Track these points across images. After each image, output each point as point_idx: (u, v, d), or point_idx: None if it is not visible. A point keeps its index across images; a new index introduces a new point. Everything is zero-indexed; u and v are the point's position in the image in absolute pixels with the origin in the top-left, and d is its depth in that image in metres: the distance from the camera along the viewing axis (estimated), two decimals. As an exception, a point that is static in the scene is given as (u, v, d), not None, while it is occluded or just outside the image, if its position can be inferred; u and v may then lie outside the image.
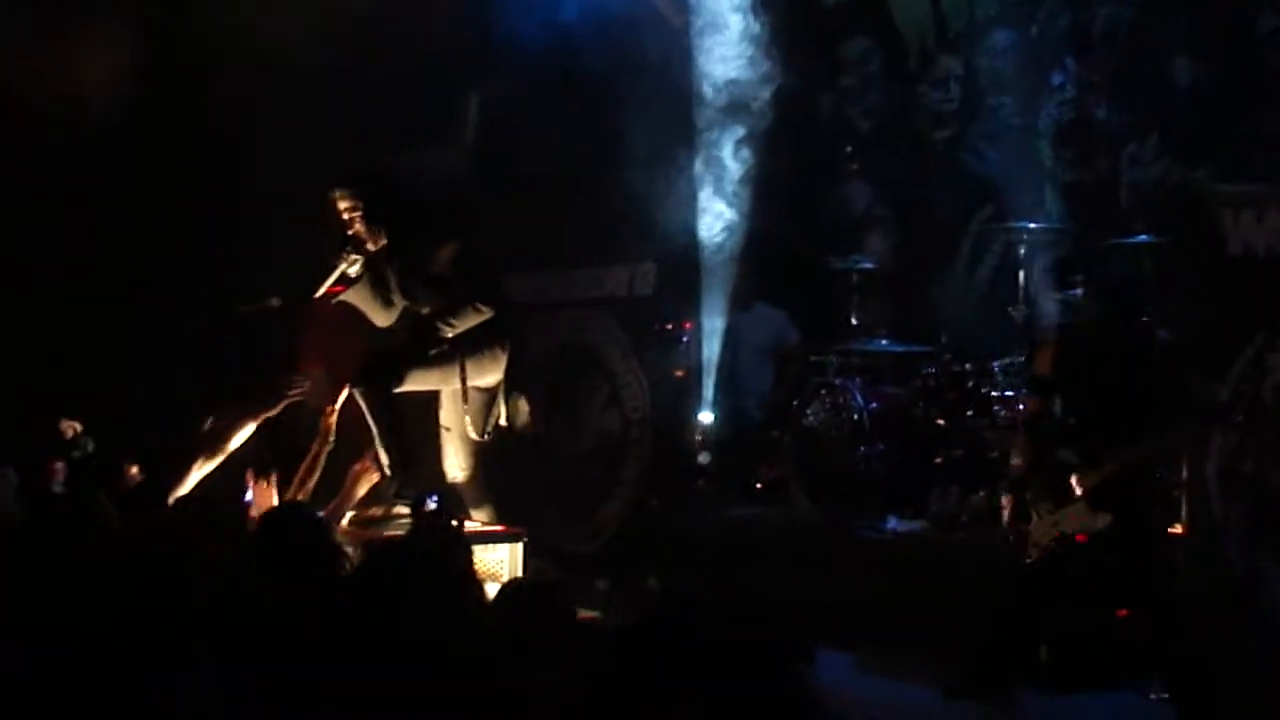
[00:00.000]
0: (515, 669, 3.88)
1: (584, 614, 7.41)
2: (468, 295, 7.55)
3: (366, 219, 7.52)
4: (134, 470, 6.50)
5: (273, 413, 7.09)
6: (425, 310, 7.62)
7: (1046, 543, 6.50)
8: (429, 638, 4.00)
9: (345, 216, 7.54)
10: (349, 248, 7.53)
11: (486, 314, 7.55)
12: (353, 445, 8.25)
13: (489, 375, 7.64)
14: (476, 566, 7.15)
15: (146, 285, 9.87)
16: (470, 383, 7.56)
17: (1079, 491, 6.38)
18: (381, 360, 7.65)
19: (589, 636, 4.24)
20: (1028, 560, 6.60)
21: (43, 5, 9.66)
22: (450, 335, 7.50)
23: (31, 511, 5.59)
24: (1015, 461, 6.99)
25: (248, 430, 6.97)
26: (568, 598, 4.19)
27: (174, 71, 10.14)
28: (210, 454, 6.82)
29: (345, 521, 7.13)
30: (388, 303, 7.75)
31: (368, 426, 7.51)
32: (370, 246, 7.56)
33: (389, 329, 7.99)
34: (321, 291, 7.62)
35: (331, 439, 7.16)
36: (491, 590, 6.59)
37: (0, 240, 9.45)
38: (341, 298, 7.71)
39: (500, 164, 11.10)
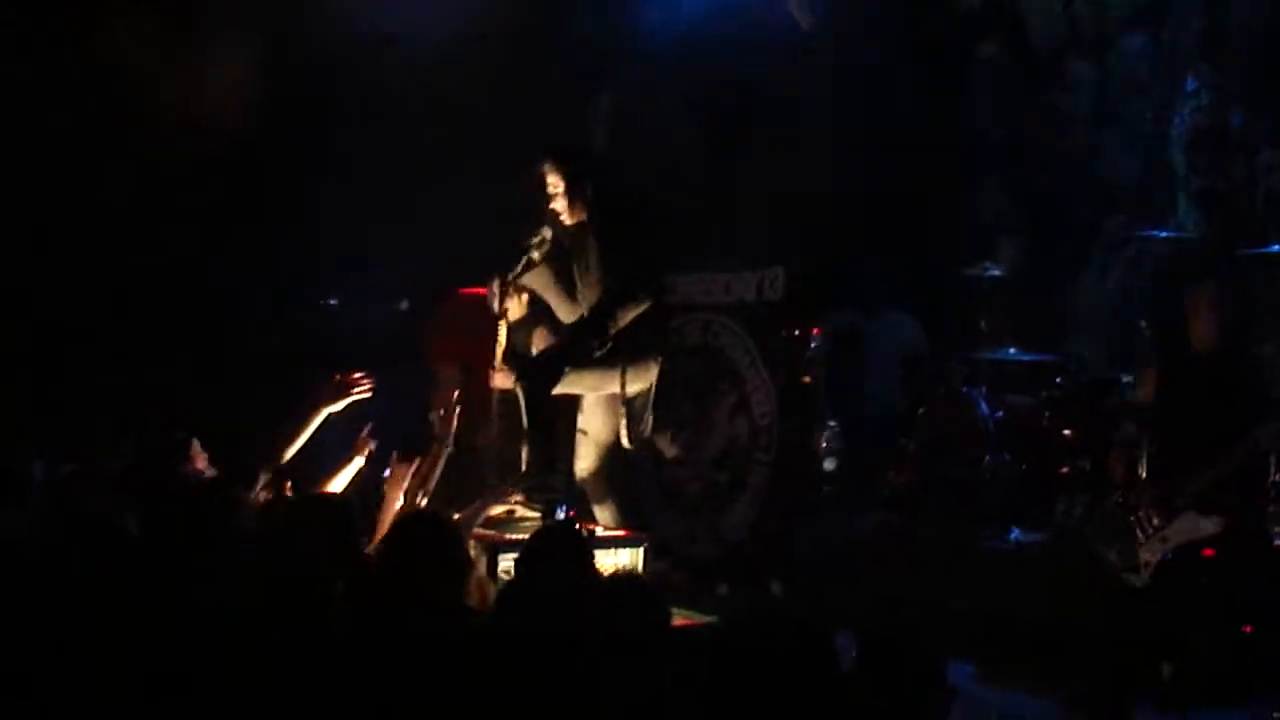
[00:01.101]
0: (610, 668, 3.94)
1: (703, 619, 7.54)
2: (634, 291, 7.55)
3: (570, 193, 7.55)
4: (202, 461, 6.58)
5: (336, 407, 7.15)
6: (586, 302, 7.61)
7: (1158, 558, 6.44)
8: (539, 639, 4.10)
9: (550, 190, 7.56)
10: (541, 228, 7.58)
11: (644, 306, 7.53)
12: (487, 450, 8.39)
13: (642, 382, 7.67)
14: (600, 570, 7.25)
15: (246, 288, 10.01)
16: (628, 390, 7.61)
17: (1185, 499, 6.39)
18: (546, 358, 7.71)
19: (689, 641, 4.28)
20: (1137, 578, 6.57)
21: (171, 21, 9.85)
22: (613, 332, 7.49)
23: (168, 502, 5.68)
24: (1115, 483, 6.95)
25: (315, 423, 7.08)
26: (662, 599, 4.22)
27: (301, 74, 10.27)
28: (279, 448, 6.95)
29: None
30: (571, 294, 7.75)
31: (510, 434, 7.57)
32: (568, 220, 7.58)
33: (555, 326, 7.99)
34: (518, 269, 7.62)
35: (450, 442, 7.20)
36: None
37: (119, 247, 9.61)
38: (526, 282, 7.73)
39: (631, 166, 11.17)
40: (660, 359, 7.69)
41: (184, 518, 5.10)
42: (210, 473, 6.42)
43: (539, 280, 7.73)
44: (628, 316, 7.49)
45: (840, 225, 9.96)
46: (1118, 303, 9.06)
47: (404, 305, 8.41)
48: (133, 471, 6.45)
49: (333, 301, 9.17)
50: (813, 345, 9.97)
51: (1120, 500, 6.79)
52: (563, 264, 7.68)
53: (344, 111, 10.47)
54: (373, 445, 7.30)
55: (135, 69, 9.60)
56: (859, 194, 9.83)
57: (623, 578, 5.03)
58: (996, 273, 9.49)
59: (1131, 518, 6.67)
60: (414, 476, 6.80)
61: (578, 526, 7.12)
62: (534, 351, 8.29)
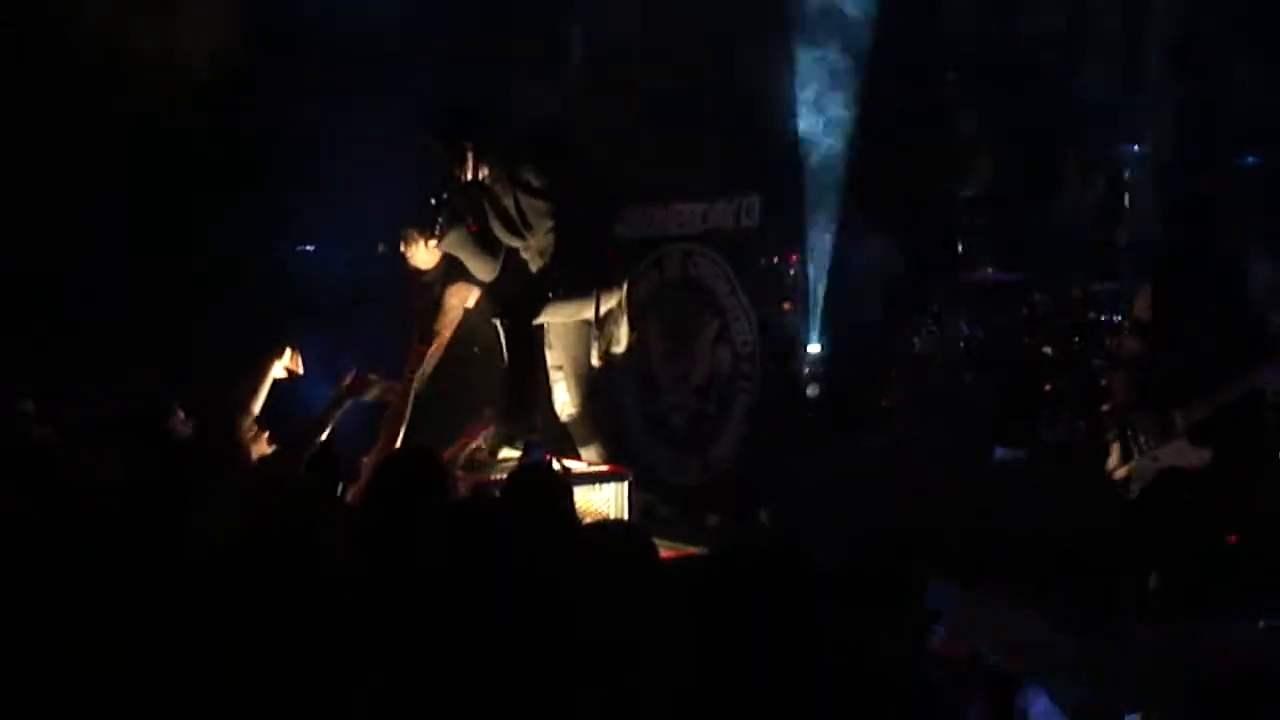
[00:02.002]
0: (600, 610, 3.95)
1: (692, 550, 7.58)
2: (587, 226, 7.58)
3: (471, 151, 7.55)
4: (181, 418, 6.59)
5: (283, 362, 7.20)
6: (537, 245, 7.63)
7: (1149, 477, 6.49)
8: (522, 581, 4.12)
9: (440, 153, 7.58)
10: (444, 190, 7.60)
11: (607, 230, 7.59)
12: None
13: (610, 301, 7.69)
14: (582, 507, 7.27)
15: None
16: (601, 310, 7.61)
17: (1180, 426, 6.37)
18: (524, 292, 7.71)
19: (679, 576, 4.28)
20: (1130, 495, 6.60)
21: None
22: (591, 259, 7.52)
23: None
24: (1116, 400, 6.92)
25: (269, 380, 7.12)
26: (647, 539, 4.23)
27: (272, 25, 10.21)
28: (246, 404, 6.99)
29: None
30: (489, 250, 7.79)
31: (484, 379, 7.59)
32: (465, 179, 7.59)
33: (494, 282, 8.06)
34: (438, 230, 7.67)
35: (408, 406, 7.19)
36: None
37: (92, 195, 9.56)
38: (440, 246, 7.77)
39: (604, 97, 11.12)
40: (623, 274, 7.68)
41: (175, 473, 5.11)
42: (186, 430, 6.41)
43: (454, 242, 7.75)
44: (596, 241, 7.54)
45: (815, 150, 9.91)
46: (1096, 219, 9.02)
47: (381, 248, 8.40)
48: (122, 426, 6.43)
49: (308, 247, 9.12)
50: (791, 272, 9.98)
51: (1119, 417, 6.80)
52: (474, 224, 7.69)
53: (320, 52, 10.39)
54: (357, 388, 7.33)
55: (103, 13, 9.53)
56: (830, 119, 9.74)
57: (606, 523, 5.05)
58: (972, 193, 9.48)
59: (1128, 434, 6.68)
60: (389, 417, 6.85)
61: (555, 467, 7.15)
62: (450, 305, 8.39)
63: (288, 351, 7.31)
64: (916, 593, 4.12)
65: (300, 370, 7.43)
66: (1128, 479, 6.67)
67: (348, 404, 7.32)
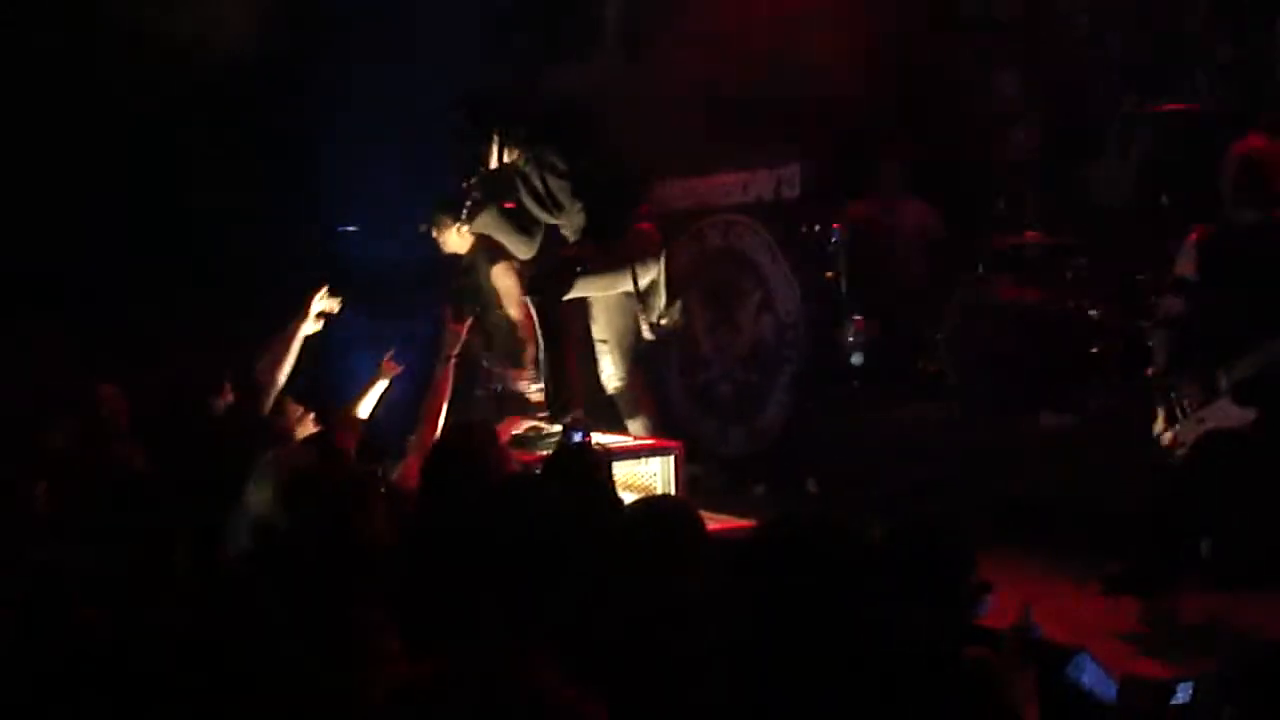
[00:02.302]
0: (646, 584, 3.97)
1: (740, 522, 7.59)
2: (617, 201, 7.59)
3: (486, 139, 7.57)
4: (229, 392, 6.64)
5: (311, 326, 7.23)
6: (571, 224, 7.67)
7: (1195, 439, 6.42)
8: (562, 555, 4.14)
9: (464, 138, 7.61)
10: (473, 173, 7.62)
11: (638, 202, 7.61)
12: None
13: (650, 272, 7.69)
14: (629, 481, 7.30)
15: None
16: (640, 282, 7.62)
17: (1224, 386, 6.29)
18: (553, 267, 7.73)
19: (727, 549, 4.30)
20: (1176, 458, 6.54)
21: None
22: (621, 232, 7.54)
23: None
24: (1158, 362, 6.85)
25: (297, 343, 7.15)
26: (695, 512, 4.24)
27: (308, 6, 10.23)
28: (270, 369, 7.03)
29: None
30: (524, 229, 7.82)
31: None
32: (492, 164, 7.61)
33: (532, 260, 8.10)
34: (465, 214, 7.71)
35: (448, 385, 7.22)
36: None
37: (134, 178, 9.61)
38: (476, 228, 7.81)
39: (645, 73, 11.11)
40: (662, 245, 7.69)
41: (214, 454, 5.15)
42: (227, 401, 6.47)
43: (487, 222, 7.77)
44: (626, 215, 7.54)
45: (853, 117, 9.87)
46: (1139, 180, 8.94)
47: (423, 228, 8.43)
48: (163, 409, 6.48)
49: (351, 228, 9.16)
50: (833, 240, 9.97)
51: (1162, 379, 6.72)
52: (509, 202, 7.70)
53: (357, 34, 10.42)
54: (399, 368, 7.37)
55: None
56: (871, 86, 9.69)
57: (652, 498, 5.06)
58: (1014, 156, 9.44)
59: (1172, 396, 6.60)
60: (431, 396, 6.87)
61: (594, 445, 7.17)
62: (495, 286, 8.44)
63: (315, 305, 7.32)
64: (964, 566, 4.11)
65: (336, 309, 7.45)
66: (1174, 443, 6.60)
67: (388, 382, 7.36)
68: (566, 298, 7.56)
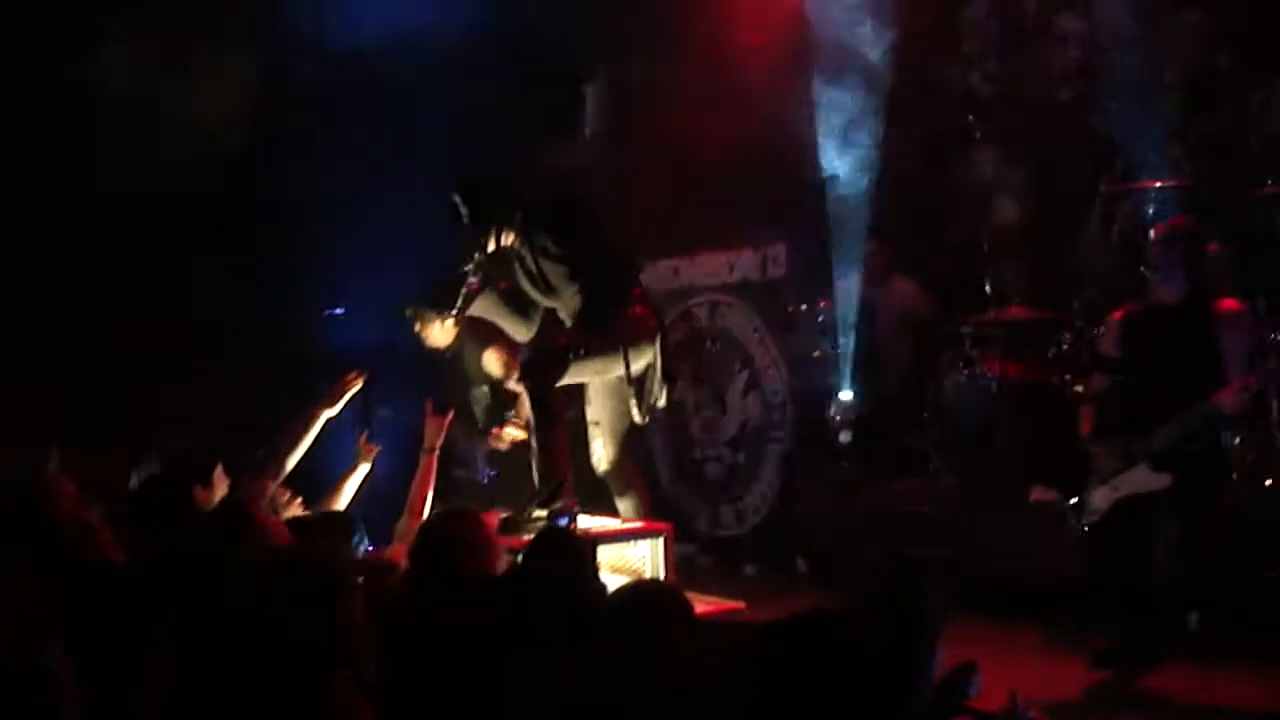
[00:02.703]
0: (634, 668, 3.96)
1: (730, 603, 7.57)
2: (610, 286, 7.61)
3: (479, 220, 7.62)
4: (220, 473, 6.60)
5: (333, 409, 7.22)
6: (567, 308, 7.68)
7: (1106, 506, 6.68)
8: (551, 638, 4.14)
9: (466, 220, 7.64)
10: (473, 254, 7.66)
11: (630, 288, 7.63)
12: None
13: (645, 357, 7.71)
14: (618, 564, 7.29)
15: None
16: (634, 367, 7.63)
17: (1140, 454, 6.54)
18: (548, 353, 7.75)
19: (710, 637, 4.29)
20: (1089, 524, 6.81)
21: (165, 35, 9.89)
22: (614, 319, 7.56)
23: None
24: (1084, 436, 7.03)
25: (315, 428, 7.14)
26: (683, 600, 4.23)
27: (297, 94, 10.30)
28: (285, 454, 7.01)
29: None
30: (523, 311, 7.85)
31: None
32: (490, 248, 7.65)
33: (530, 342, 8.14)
34: (460, 302, 7.73)
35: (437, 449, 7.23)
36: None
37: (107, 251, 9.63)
38: (474, 312, 7.83)
39: (628, 152, 11.19)
40: (657, 329, 7.71)
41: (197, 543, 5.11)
42: (223, 491, 6.41)
43: (485, 305, 7.81)
44: (620, 301, 7.57)
45: (839, 197, 9.94)
46: (1121, 255, 8.99)
47: (408, 314, 8.45)
48: (143, 494, 6.42)
49: (338, 311, 9.18)
50: (819, 319, 10.01)
51: (1088, 450, 6.92)
52: (506, 284, 7.75)
53: (348, 118, 10.49)
54: (376, 448, 7.37)
55: (130, 82, 9.65)
56: (854, 164, 9.78)
57: (640, 582, 5.06)
58: (998, 233, 9.49)
59: (1092, 466, 6.83)
60: (416, 486, 6.86)
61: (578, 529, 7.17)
62: (488, 373, 8.48)
63: (343, 398, 7.33)
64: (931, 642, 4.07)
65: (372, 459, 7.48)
66: (1089, 510, 6.79)
67: (370, 465, 7.36)
68: (561, 383, 7.57)
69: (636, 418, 7.79)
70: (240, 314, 10.09)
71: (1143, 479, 6.54)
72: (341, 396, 7.23)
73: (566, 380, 7.60)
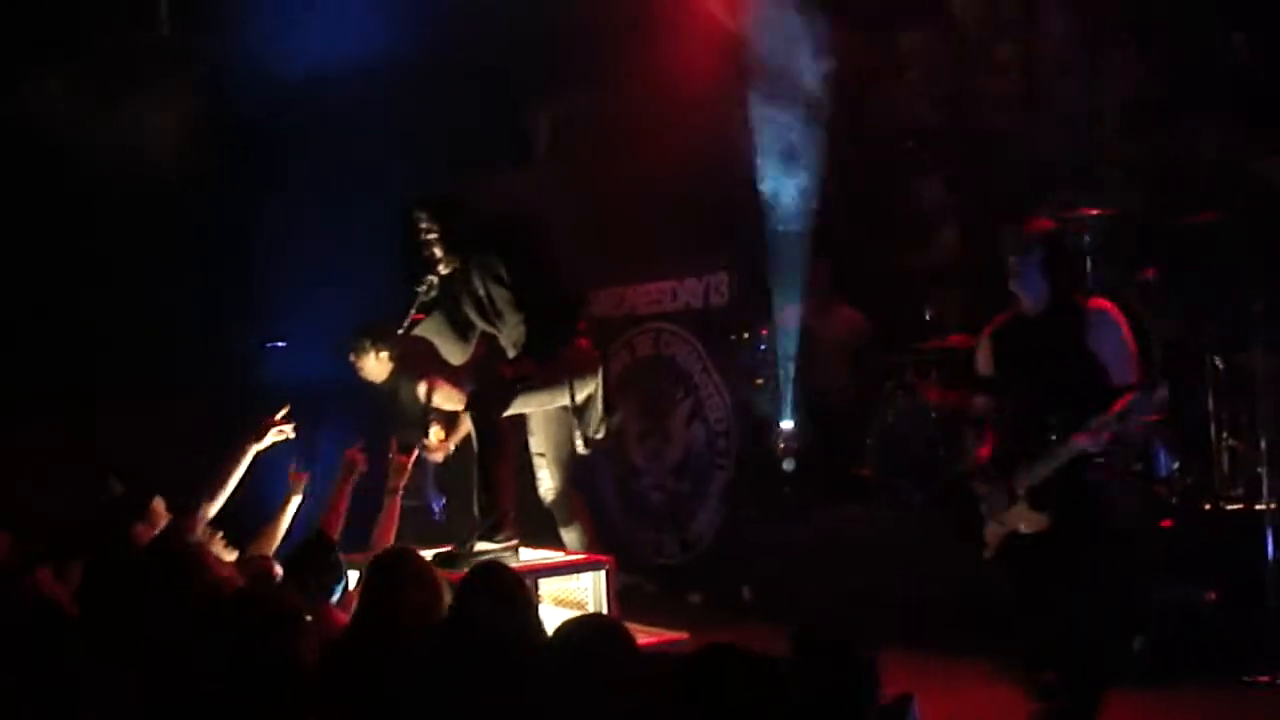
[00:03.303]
0: (577, 705, 3.94)
1: (673, 634, 7.55)
2: (558, 317, 7.58)
3: (443, 241, 7.58)
4: (160, 507, 6.55)
5: (261, 445, 7.19)
6: (510, 337, 7.66)
7: (998, 542, 6.28)
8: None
9: (423, 238, 7.60)
10: (423, 274, 7.62)
11: (577, 321, 7.61)
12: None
13: (589, 387, 7.69)
14: (561, 596, 7.26)
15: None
16: (578, 397, 7.61)
17: (1020, 491, 6.08)
18: (492, 384, 7.72)
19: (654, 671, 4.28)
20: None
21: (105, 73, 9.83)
22: (558, 352, 7.54)
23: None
24: (967, 464, 6.60)
25: (244, 464, 7.11)
26: (624, 635, 4.21)
27: (238, 125, 10.26)
28: (216, 489, 6.97)
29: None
30: (463, 336, 7.82)
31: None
32: (443, 270, 7.62)
33: (464, 365, 8.13)
34: (407, 323, 7.69)
35: (400, 489, 7.21)
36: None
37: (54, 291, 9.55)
38: (418, 332, 7.79)
39: (572, 181, 11.19)
40: (600, 359, 7.70)
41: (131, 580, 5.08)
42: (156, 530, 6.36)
43: (430, 327, 7.78)
44: (567, 332, 7.55)
45: (780, 225, 9.97)
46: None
47: (282, 344, 8.41)
48: (81, 529, 6.38)
49: (280, 344, 9.14)
50: (761, 347, 10.03)
51: (975, 480, 6.44)
52: (451, 307, 7.72)
53: (289, 151, 10.44)
54: (305, 475, 7.34)
55: (68, 116, 9.58)
56: (794, 193, 9.82)
57: (582, 617, 5.04)
58: (937, 260, 9.56)
59: (980, 496, 6.38)
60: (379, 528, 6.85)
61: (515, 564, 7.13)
62: (426, 403, 8.53)
63: (271, 432, 7.29)
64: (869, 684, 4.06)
65: (292, 435, 7.42)
66: (987, 545, 6.38)
67: (301, 496, 7.32)
68: (506, 414, 7.54)
69: (580, 447, 7.77)
70: (180, 346, 10.01)
71: (1023, 517, 6.08)
72: (267, 431, 7.20)
73: (512, 411, 7.58)
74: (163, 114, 9.91)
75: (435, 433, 8.79)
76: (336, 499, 7.11)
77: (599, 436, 7.81)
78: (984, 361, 6.54)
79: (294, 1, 9.98)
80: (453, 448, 8.97)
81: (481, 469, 7.47)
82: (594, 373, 7.68)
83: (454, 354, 7.99)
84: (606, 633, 4.24)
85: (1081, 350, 6.02)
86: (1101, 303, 6.24)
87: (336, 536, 6.70)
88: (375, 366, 8.90)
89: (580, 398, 7.62)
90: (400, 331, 7.73)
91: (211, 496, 6.90)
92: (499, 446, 7.49)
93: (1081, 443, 5.87)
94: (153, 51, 10.09)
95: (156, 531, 6.31)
